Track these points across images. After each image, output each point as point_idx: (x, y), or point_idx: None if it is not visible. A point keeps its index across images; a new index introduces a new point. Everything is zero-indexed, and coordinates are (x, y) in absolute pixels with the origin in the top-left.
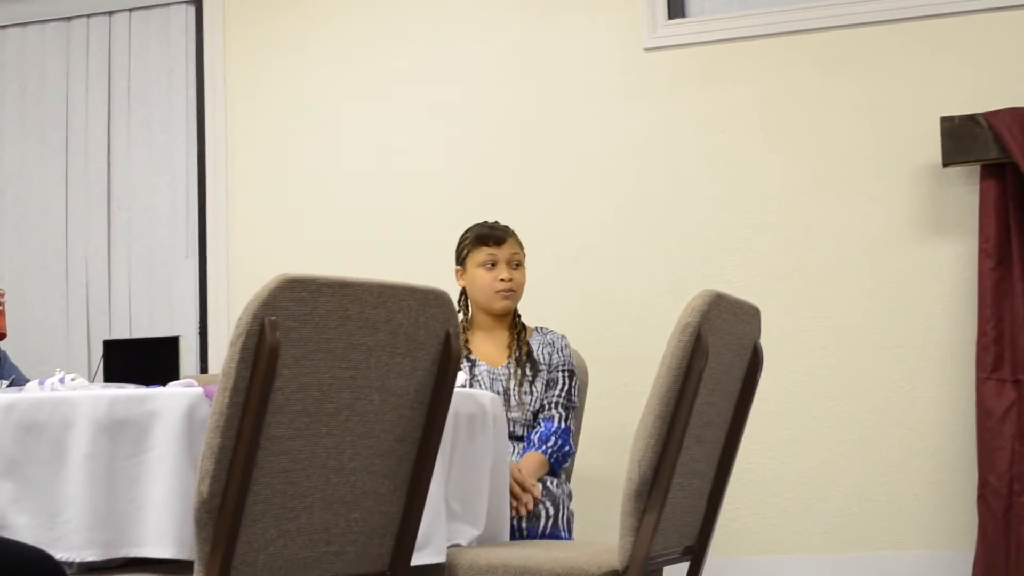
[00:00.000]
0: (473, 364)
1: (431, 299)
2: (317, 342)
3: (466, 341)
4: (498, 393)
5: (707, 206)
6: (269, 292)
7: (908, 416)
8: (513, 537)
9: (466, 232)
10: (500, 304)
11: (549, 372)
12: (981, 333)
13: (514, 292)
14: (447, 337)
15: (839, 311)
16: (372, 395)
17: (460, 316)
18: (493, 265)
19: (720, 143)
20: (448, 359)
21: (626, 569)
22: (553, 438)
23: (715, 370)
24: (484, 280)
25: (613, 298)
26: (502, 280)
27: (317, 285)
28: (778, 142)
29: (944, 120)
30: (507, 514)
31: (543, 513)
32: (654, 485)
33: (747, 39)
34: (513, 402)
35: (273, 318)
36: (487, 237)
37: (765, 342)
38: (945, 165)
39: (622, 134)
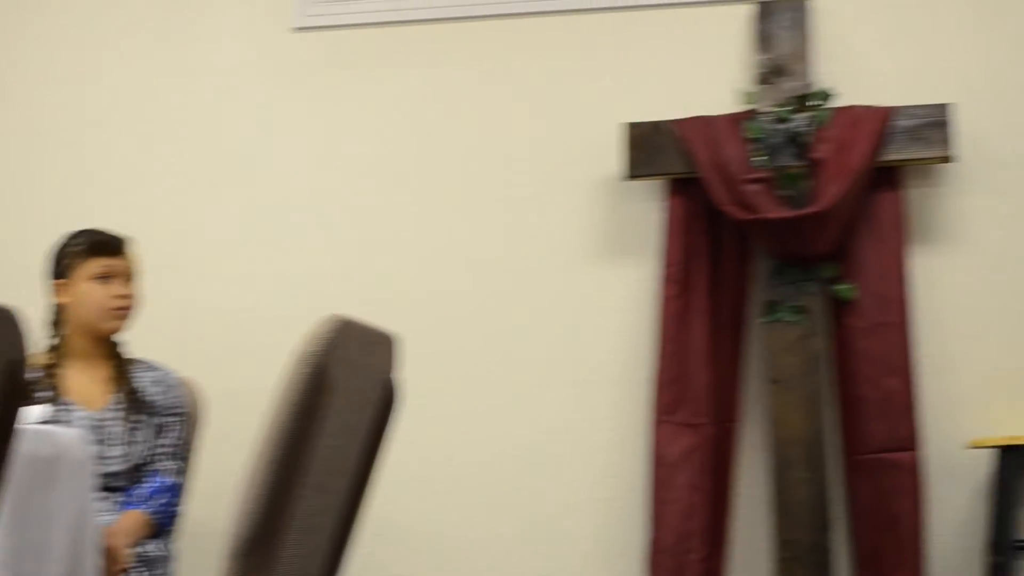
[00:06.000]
0: (67, 409)
1: None
2: None
3: (54, 376)
4: (100, 441)
5: (353, 213)
6: None
7: (576, 463)
8: None
9: (73, 239)
10: (112, 324)
11: (160, 416)
12: (660, 370)
13: (130, 310)
14: (10, 368)
15: (500, 342)
16: None
17: (53, 341)
18: (107, 278)
19: (371, 141)
20: (11, 394)
21: None
22: (161, 495)
23: (343, 408)
24: (96, 295)
25: (235, 320)
26: (119, 296)
27: None
28: (437, 143)
29: (626, 127)
30: None
31: None
32: (264, 543)
33: (411, 23)
34: (117, 451)
35: None
36: (103, 245)
37: (411, 377)
38: (627, 178)
39: (265, 125)
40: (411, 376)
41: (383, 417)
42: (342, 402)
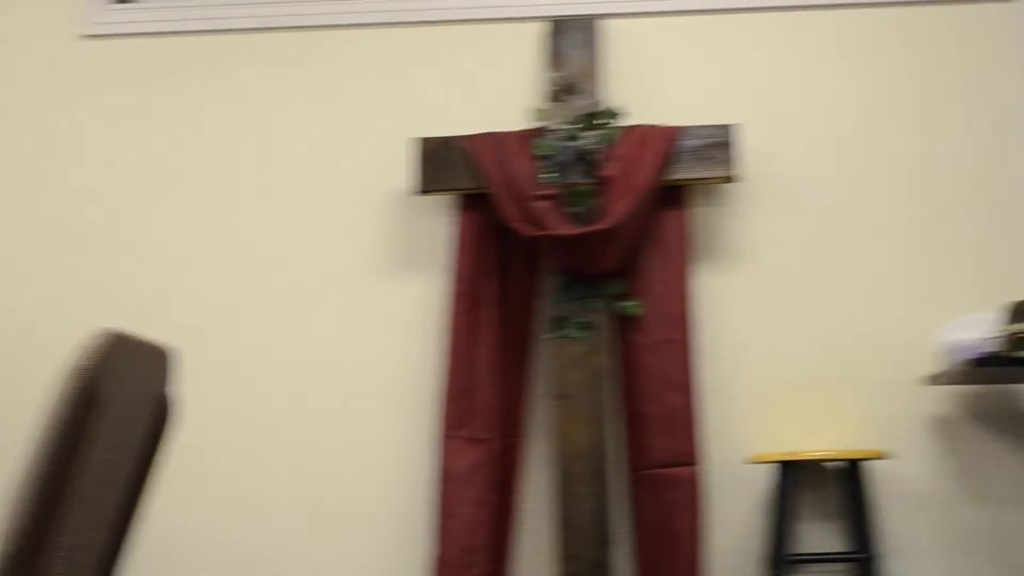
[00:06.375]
0: None
1: None
2: None
3: None
4: None
5: (137, 223)
6: None
7: (362, 476)
8: None
9: None
10: None
11: None
12: (447, 385)
13: None
14: None
15: (288, 355)
16: None
17: None
18: None
19: (159, 151)
20: None
21: None
22: None
23: (114, 423)
24: None
25: (8, 334)
26: None
27: None
28: (226, 154)
29: (417, 142)
30: None
31: None
32: (31, 561)
33: (203, 33)
34: None
35: None
36: None
37: (196, 388)
38: (417, 193)
39: (51, 132)
40: (196, 388)
41: (157, 432)
42: (113, 417)
